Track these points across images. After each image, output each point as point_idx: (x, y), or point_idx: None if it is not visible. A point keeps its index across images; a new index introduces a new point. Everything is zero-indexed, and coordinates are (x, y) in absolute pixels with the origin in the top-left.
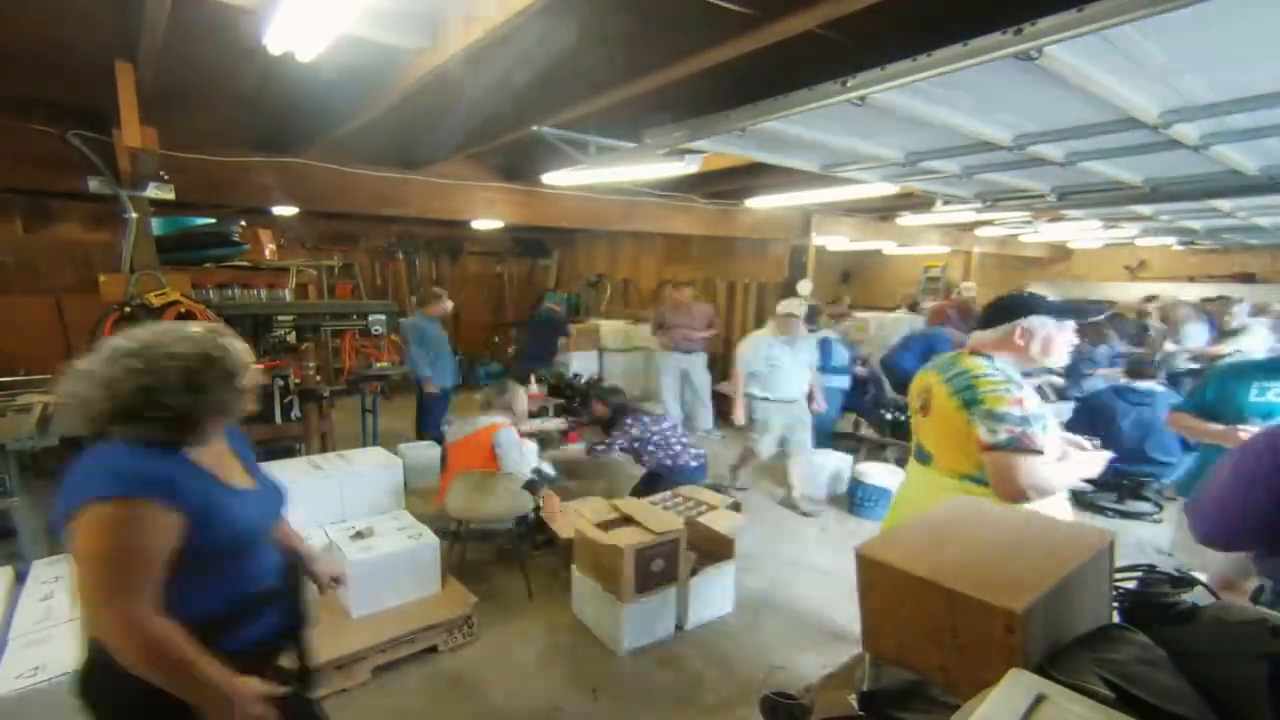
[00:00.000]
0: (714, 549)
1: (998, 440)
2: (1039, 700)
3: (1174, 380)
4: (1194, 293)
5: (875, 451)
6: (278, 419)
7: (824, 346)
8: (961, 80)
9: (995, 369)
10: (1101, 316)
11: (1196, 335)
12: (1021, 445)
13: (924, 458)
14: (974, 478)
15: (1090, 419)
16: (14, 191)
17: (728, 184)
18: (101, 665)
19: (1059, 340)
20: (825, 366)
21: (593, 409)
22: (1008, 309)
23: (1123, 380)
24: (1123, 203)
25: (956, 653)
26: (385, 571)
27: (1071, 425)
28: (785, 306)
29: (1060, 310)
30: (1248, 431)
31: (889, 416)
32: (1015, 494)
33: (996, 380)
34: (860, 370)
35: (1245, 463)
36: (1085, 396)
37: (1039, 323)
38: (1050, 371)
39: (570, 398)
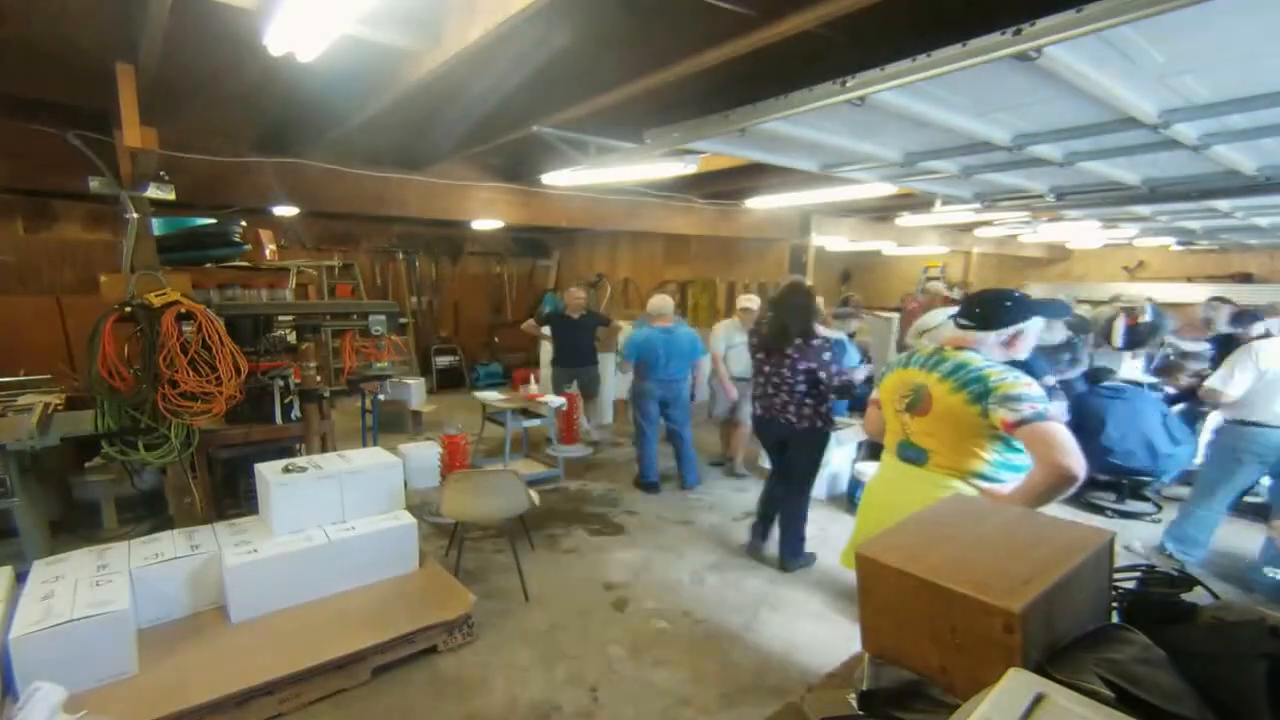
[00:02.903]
0: None
1: (1024, 416)
2: (1038, 700)
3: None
4: (1192, 293)
5: (875, 451)
6: (278, 419)
7: (836, 348)
8: (961, 80)
9: (990, 361)
10: (1068, 315)
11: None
12: (1050, 416)
13: (916, 457)
14: (980, 474)
15: (1076, 418)
16: (15, 192)
17: (728, 184)
18: None
19: (1034, 338)
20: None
21: None
22: (1013, 311)
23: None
24: (1121, 203)
25: (956, 652)
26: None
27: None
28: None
29: (1046, 310)
30: None
31: None
32: (1061, 461)
33: (1001, 369)
34: (868, 368)
35: None
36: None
37: (1034, 324)
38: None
39: None
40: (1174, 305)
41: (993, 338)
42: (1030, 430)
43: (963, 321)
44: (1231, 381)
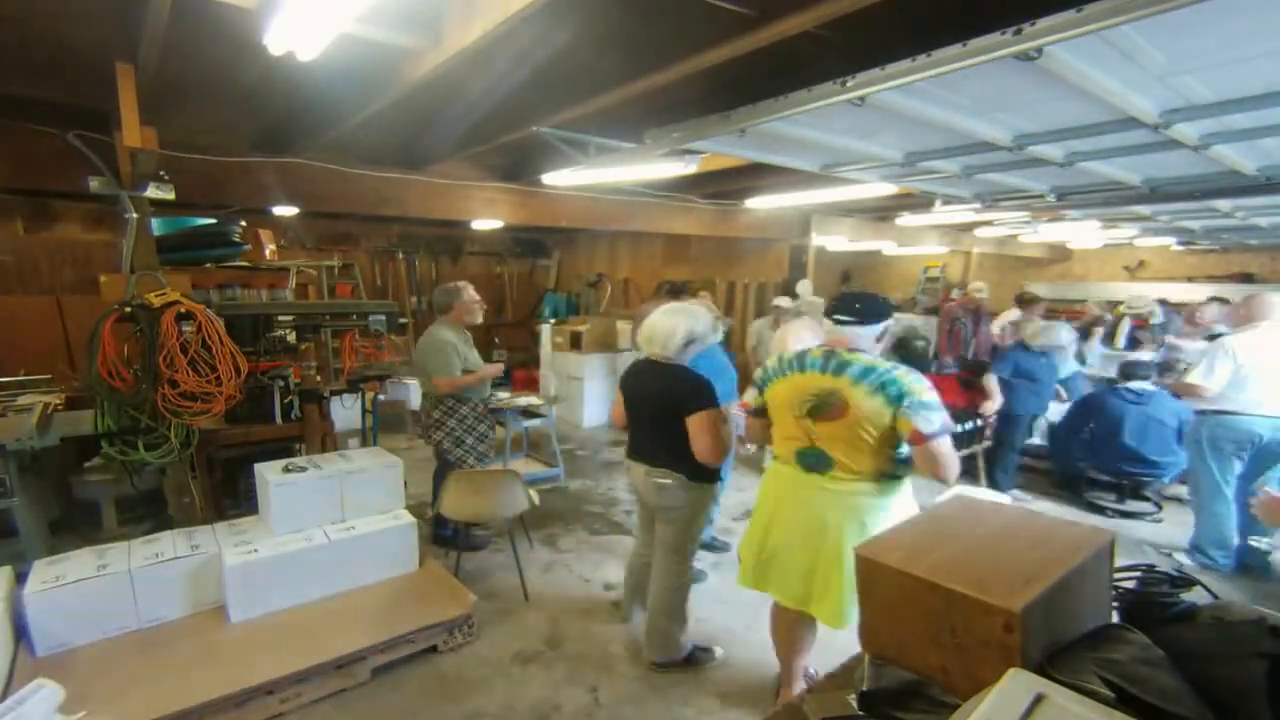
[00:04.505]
0: None
1: (935, 430)
2: (1038, 700)
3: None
4: (1192, 293)
5: None
6: (278, 419)
7: None
8: (961, 80)
9: (891, 363)
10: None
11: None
12: (950, 428)
13: (821, 464)
14: (887, 473)
15: (1089, 418)
16: (15, 192)
17: (728, 184)
18: None
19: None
20: None
21: None
22: (885, 308)
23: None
24: (1122, 203)
25: (956, 652)
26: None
27: (1073, 424)
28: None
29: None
30: None
31: None
32: (951, 474)
33: (905, 370)
34: None
35: None
36: (1085, 396)
37: (890, 324)
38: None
39: None
40: (1177, 305)
41: (868, 333)
42: (935, 446)
43: (843, 317)
44: (1213, 375)
